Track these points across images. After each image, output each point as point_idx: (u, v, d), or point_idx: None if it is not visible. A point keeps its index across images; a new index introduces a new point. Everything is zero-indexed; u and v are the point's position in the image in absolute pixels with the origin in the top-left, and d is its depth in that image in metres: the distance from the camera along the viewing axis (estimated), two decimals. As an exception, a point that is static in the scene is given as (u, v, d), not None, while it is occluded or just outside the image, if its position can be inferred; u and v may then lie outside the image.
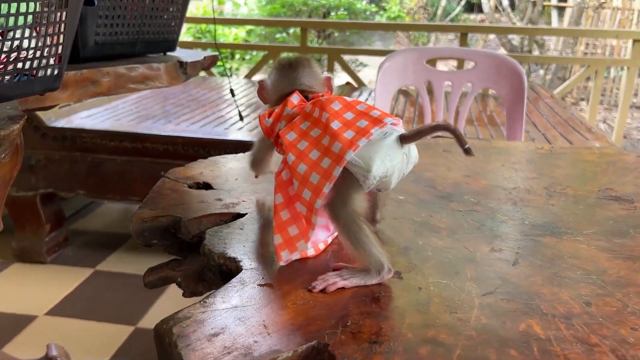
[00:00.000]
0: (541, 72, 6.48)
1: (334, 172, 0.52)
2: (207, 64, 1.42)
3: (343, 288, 0.52)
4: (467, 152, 0.52)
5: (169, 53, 1.37)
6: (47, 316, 1.79)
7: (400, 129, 0.55)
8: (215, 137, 1.99)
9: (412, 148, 0.55)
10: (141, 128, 2.07)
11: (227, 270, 0.59)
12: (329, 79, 0.66)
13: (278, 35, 5.09)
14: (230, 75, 5.41)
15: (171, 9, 1.28)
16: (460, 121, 1.71)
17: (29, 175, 2.06)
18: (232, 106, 2.56)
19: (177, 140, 1.99)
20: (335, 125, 0.55)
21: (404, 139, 0.54)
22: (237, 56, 5.72)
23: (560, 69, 6.15)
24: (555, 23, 7.23)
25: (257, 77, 3.64)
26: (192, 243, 0.69)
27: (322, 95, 0.61)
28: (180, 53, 1.40)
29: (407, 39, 8.10)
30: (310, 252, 0.60)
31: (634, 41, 3.10)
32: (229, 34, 5.50)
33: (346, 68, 3.26)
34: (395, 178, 0.54)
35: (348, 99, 0.58)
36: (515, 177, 0.90)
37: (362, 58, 5.80)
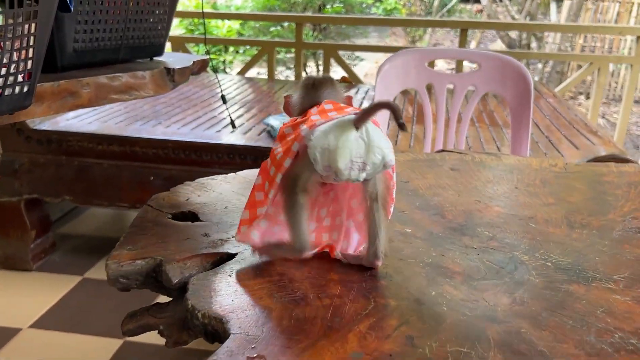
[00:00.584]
0: (539, 65, 6.41)
1: (292, 147, 0.56)
2: (197, 69, 1.34)
3: None
4: (401, 127, 0.52)
5: (156, 58, 1.28)
6: (31, 329, 1.71)
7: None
8: (207, 140, 1.91)
9: (376, 139, 0.55)
10: (130, 131, 1.98)
11: (213, 331, 0.52)
12: (350, 98, 0.68)
13: (272, 29, 4.98)
14: (218, 72, 5.30)
15: (157, 12, 1.19)
16: (463, 125, 1.64)
17: (13, 180, 1.97)
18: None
19: (167, 144, 1.91)
20: (314, 117, 0.59)
21: (355, 121, 0.54)
22: (231, 49, 5.60)
23: (559, 62, 6.08)
24: (553, 15, 7.15)
25: (250, 74, 3.55)
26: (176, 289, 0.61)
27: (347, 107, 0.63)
28: (168, 58, 1.31)
29: (403, 31, 7.99)
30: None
31: (638, 38, 3.02)
32: (222, 26, 5.38)
33: (342, 64, 3.17)
34: (343, 158, 0.53)
35: (343, 104, 0.62)
36: (531, 203, 0.83)
37: (359, 51, 5.70)
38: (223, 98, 1.36)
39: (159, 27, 1.22)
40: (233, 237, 0.68)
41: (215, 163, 1.90)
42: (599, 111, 5.10)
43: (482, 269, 0.62)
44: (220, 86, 1.40)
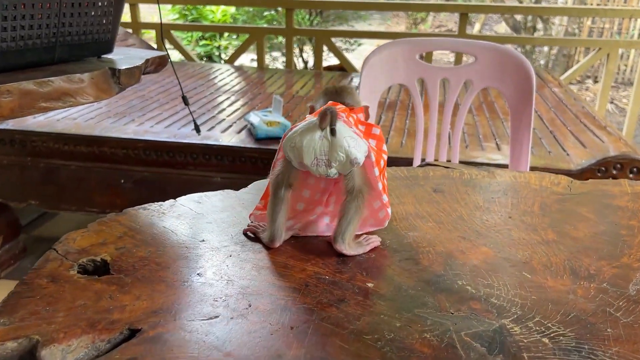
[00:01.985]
0: (545, 49, 6.18)
1: (281, 147, 0.64)
2: (153, 68, 1.19)
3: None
4: (332, 133, 0.59)
5: (104, 56, 1.13)
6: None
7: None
8: (180, 140, 1.76)
9: (340, 139, 0.59)
10: (99, 130, 1.83)
11: None
12: (367, 108, 0.72)
13: (266, 13, 4.79)
14: (212, 59, 5.14)
15: (100, 4, 1.03)
16: (459, 122, 1.48)
17: (-26, 183, 1.84)
18: (207, 98, 2.32)
19: (137, 145, 1.76)
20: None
21: (318, 123, 0.60)
22: (226, 34, 5.42)
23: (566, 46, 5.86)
24: (560, -5, 6.90)
25: (240, 61, 3.38)
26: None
27: (358, 109, 0.69)
28: (119, 55, 1.16)
29: (405, 13, 7.76)
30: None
31: (651, 21, 2.83)
32: (216, 11, 5.20)
33: (335, 51, 3.00)
34: (308, 156, 0.60)
35: (341, 106, 0.66)
36: (527, 241, 0.67)
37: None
38: (184, 99, 1.21)
39: (104, 21, 1.06)
40: (144, 300, 0.53)
41: (189, 164, 1.75)
42: (608, 96, 4.92)
43: (458, 351, 0.48)
44: (180, 86, 1.23)
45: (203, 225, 0.70)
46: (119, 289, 0.56)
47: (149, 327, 0.50)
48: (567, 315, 0.53)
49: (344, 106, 0.67)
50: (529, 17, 6.24)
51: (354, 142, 0.60)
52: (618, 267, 0.62)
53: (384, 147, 0.67)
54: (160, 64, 1.20)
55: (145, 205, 0.76)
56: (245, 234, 0.68)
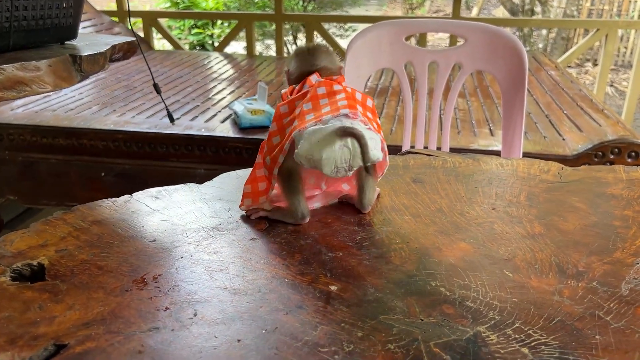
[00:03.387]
0: (544, 32, 6.09)
1: (285, 146, 0.61)
2: (121, 54, 1.12)
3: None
4: (367, 170, 0.62)
5: (68, 42, 1.07)
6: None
7: (351, 123, 0.58)
8: (161, 131, 1.70)
9: (363, 145, 0.57)
10: (78, 121, 1.77)
11: None
12: (340, 69, 0.70)
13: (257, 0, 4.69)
14: (205, 47, 5.06)
15: (58, -14, 0.97)
16: (449, 108, 1.41)
17: (-50, 179, 1.78)
18: (193, 87, 2.25)
19: (117, 136, 1.70)
20: (306, 106, 0.63)
21: (339, 132, 0.57)
22: (219, 21, 5.33)
23: (564, 28, 5.76)
24: (559, -23, 6.78)
25: (229, 49, 3.31)
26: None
27: (338, 79, 0.67)
28: (84, 41, 1.10)
29: (401, -1, 7.65)
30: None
31: (650, 0, 2.74)
32: (209, -2, 5.10)
33: (326, 36, 2.92)
34: (328, 167, 0.57)
35: (336, 86, 0.64)
36: (510, 235, 0.62)
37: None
38: (156, 87, 1.14)
39: (64, 5, 1.00)
40: (78, 308, 0.48)
41: (172, 156, 1.69)
42: (608, 78, 4.84)
43: (424, 364, 0.42)
44: (151, 72, 1.17)
45: (157, 223, 0.64)
46: (52, 297, 0.50)
47: (77, 342, 0.44)
48: (551, 320, 0.47)
49: (340, 91, 0.63)
50: (527, 0, 6.13)
51: (373, 144, 0.58)
52: (610, 263, 0.56)
53: (378, 121, 0.68)
54: (128, 50, 1.14)
55: (99, 201, 0.70)
56: (249, 216, 0.66)
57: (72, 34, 1.05)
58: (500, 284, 0.52)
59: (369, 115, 0.66)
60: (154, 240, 0.60)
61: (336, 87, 0.64)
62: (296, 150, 0.59)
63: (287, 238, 0.61)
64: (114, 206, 0.68)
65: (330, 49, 0.73)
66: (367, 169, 0.58)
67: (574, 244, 0.60)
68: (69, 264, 0.55)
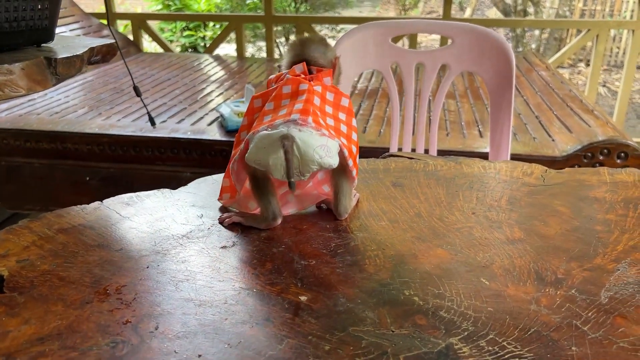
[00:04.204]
0: (537, 32, 6.09)
1: (241, 146, 0.61)
2: (100, 57, 1.10)
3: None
4: (291, 186, 0.57)
5: (44, 45, 1.04)
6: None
7: (301, 128, 0.57)
8: (147, 134, 1.67)
9: (308, 153, 0.56)
10: (62, 125, 1.74)
11: None
12: (337, 59, 0.69)
13: (249, 1, 4.67)
14: (197, 49, 5.04)
15: (32, -13, 0.95)
16: (437, 109, 1.40)
17: None
18: (180, 89, 2.23)
19: (101, 140, 1.68)
20: (268, 106, 0.62)
21: (283, 139, 0.56)
22: (211, 23, 5.30)
23: (557, 28, 5.76)
24: (551, -22, 6.78)
25: (222, 51, 3.28)
26: None
27: (323, 73, 0.65)
28: (61, 43, 1.08)
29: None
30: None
31: (640, 0, 2.74)
32: (200, 0, 5.08)
33: (317, 39, 2.90)
34: (277, 171, 0.57)
35: (303, 86, 0.62)
36: (489, 241, 0.60)
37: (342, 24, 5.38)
38: (136, 90, 1.12)
39: (39, 7, 0.98)
40: (34, 323, 0.45)
41: (157, 159, 1.67)
42: (600, 79, 4.83)
43: (392, 379, 0.40)
44: (131, 74, 1.15)
45: (125, 231, 0.62)
46: (7, 310, 0.48)
47: (29, 358, 0.42)
48: (527, 330, 0.45)
49: (305, 91, 0.62)
50: (519, 1, 6.13)
51: (324, 151, 0.57)
52: (590, 270, 0.54)
53: (353, 122, 0.66)
54: (108, 52, 1.12)
55: (68, 208, 0.68)
56: (221, 223, 0.64)
57: (49, 36, 1.03)
58: (475, 293, 0.51)
59: (341, 117, 0.64)
60: (121, 249, 0.58)
61: (302, 87, 0.62)
62: (246, 154, 0.59)
63: (259, 246, 0.59)
64: (82, 213, 0.66)
65: (327, 41, 0.71)
66: (290, 184, 0.56)
67: (554, 250, 0.58)
68: (29, 275, 0.53)
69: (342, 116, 0.65)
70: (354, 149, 0.64)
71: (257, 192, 0.62)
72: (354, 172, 0.64)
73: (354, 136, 0.65)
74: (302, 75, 0.65)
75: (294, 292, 0.51)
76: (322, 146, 0.57)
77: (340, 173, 0.63)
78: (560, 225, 0.63)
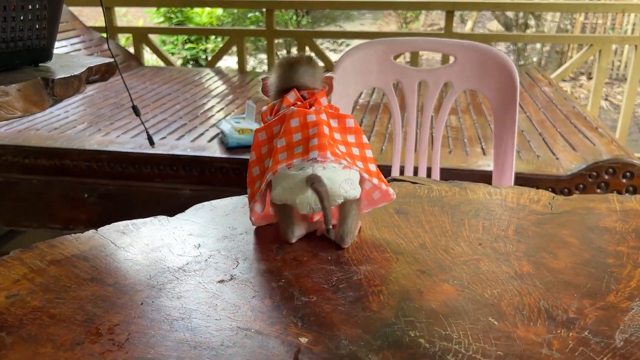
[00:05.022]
0: (538, 45, 6.10)
1: (262, 185, 0.62)
2: (99, 76, 1.09)
3: None
4: (328, 232, 0.58)
5: (42, 64, 1.03)
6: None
7: (323, 168, 0.58)
8: (146, 151, 1.66)
9: (334, 189, 0.58)
10: (61, 141, 1.73)
11: None
12: (330, 79, 0.69)
13: (250, 15, 4.68)
14: (199, 62, 5.04)
15: (30, 7, 0.93)
16: (439, 128, 1.38)
17: None
18: (181, 105, 2.22)
19: (100, 156, 1.66)
20: (280, 143, 0.61)
21: (309, 182, 0.57)
22: (213, 36, 5.32)
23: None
24: (552, -9, 6.80)
25: (223, 64, 3.28)
26: None
27: (317, 95, 0.66)
28: (59, 63, 1.06)
29: (394, 12, 7.67)
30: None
31: (643, 15, 2.73)
32: (202, 13, 5.09)
33: (319, 53, 2.90)
34: (303, 208, 0.59)
35: (310, 117, 0.61)
36: (497, 275, 0.58)
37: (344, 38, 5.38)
38: (135, 109, 1.11)
39: (37, 26, 0.96)
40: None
41: (156, 176, 1.65)
42: (602, 92, 4.83)
43: None
44: (130, 94, 1.14)
45: (120, 262, 0.60)
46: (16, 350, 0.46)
47: (14, 409, 0.40)
48: (539, 378, 0.43)
49: (314, 112, 0.62)
50: (521, 14, 6.15)
51: (349, 185, 0.59)
52: (603, 309, 0.52)
53: (364, 139, 0.65)
54: (107, 71, 1.10)
55: (62, 237, 0.66)
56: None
57: (47, 55, 1.02)
58: (484, 334, 0.48)
59: (350, 140, 0.64)
60: (115, 283, 0.56)
61: (310, 118, 0.61)
62: (271, 194, 0.61)
63: (259, 279, 0.57)
64: (76, 242, 0.64)
65: (315, 61, 0.71)
66: (328, 230, 0.58)
67: (564, 286, 0.56)
68: (18, 312, 0.51)
69: (351, 139, 0.64)
70: (373, 167, 0.64)
71: (279, 215, 0.64)
72: (384, 187, 0.65)
73: (369, 153, 0.65)
74: (298, 103, 0.65)
75: (294, 332, 0.49)
76: (347, 180, 0.59)
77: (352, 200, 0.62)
78: (570, 258, 0.61)
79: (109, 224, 0.68)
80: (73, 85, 0.97)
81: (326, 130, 0.61)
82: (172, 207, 0.79)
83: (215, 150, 1.67)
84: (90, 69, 1.04)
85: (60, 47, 0.94)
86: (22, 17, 0.93)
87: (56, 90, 0.94)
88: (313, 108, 0.65)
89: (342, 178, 0.58)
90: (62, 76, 0.95)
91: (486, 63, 1.33)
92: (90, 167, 1.66)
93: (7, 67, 0.95)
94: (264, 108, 0.68)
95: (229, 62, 5.55)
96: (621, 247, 0.63)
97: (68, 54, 1.82)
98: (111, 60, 1.11)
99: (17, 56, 0.95)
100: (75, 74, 0.97)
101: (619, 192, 1.51)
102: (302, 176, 0.58)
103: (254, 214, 0.66)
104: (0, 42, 0.90)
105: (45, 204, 1.72)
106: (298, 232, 0.64)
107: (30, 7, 0.94)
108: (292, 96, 0.66)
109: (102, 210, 1.66)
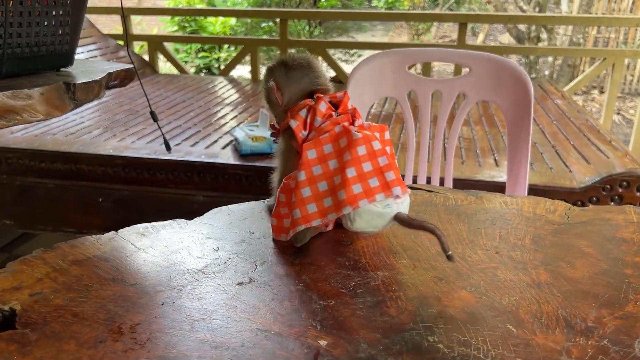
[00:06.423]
0: (550, 59, 6.09)
1: (329, 216, 0.61)
2: (118, 81, 1.10)
3: None
4: (449, 258, 0.56)
5: (63, 69, 1.05)
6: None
7: (402, 202, 0.61)
8: (161, 157, 1.67)
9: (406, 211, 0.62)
10: (77, 146, 1.75)
11: None
12: (345, 94, 0.67)
13: (264, 25, 4.72)
14: (212, 70, 5.08)
15: (54, 13, 0.95)
16: (452, 138, 1.38)
17: (-54, 202, 1.76)
18: (195, 112, 2.24)
19: (115, 161, 1.68)
20: (350, 172, 0.60)
21: (396, 219, 0.61)
22: (226, 45, 5.36)
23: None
24: (565, 5, 6.81)
25: (236, 72, 3.31)
26: None
27: (345, 99, 0.66)
28: (80, 68, 1.08)
29: (406, 24, 7.69)
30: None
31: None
32: (215, 22, 5.14)
33: (331, 62, 2.92)
34: (365, 229, 0.62)
35: (376, 144, 0.61)
36: (514, 283, 0.58)
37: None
38: (153, 115, 1.12)
39: (60, 32, 0.98)
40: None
41: (170, 182, 1.67)
42: (614, 107, 4.81)
43: None
44: (148, 100, 1.15)
45: (140, 263, 0.61)
46: (20, 348, 0.47)
47: (40, 403, 0.40)
48: (559, 385, 0.43)
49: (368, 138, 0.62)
50: (533, 27, 6.15)
51: (406, 206, 0.63)
52: (621, 318, 0.52)
53: (386, 135, 0.65)
54: (126, 77, 1.12)
55: (82, 238, 0.67)
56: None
57: (68, 61, 1.04)
58: (503, 340, 0.48)
59: (387, 150, 0.63)
60: (135, 283, 0.57)
61: (376, 146, 0.60)
62: (350, 225, 0.61)
63: (277, 283, 0.58)
64: (97, 244, 0.65)
65: (315, 60, 0.69)
66: (449, 257, 0.56)
67: (582, 295, 0.56)
68: (42, 309, 0.52)
69: (387, 149, 0.63)
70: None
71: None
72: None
73: (388, 149, 0.64)
74: (334, 113, 0.64)
75: (313, 335, 0.49)
76: (405, 203, 0.63)
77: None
78: (588, 268, 0.61)
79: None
80: (93, 90, 0.99)
81: (388, 153, 0.62)
82: (186, 212, 0.80)
83: (228, 157, 1.68)
84: (110, 74, 1.05)
85: (78, 54, 0.96)
86: (45, 23, 0.95)
87: (77, 95, 0.95)
88: (357, 122, 0.64)
89: (408, 204, 0.63)
90: (83, 81, 0.96)
91: (501, 74, 1.33)
92: (106, 172, 1.68)
93: (30, 71, 0.97)
94: (295, 124, 0.64)
95: (241, 71, 5.59)
96: (638, 258, 0.63)
97: (87, 59, 1.84)
98: (130, 66, 1.12)
99: (40, 61, 0.97)
100: (96, 79, 0.99)
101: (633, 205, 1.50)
102: (389, 213, 0.60)
103: (287, 231, 0.64)
104: (25, 46, 0.92)
105: (60, 207, 1.74)
106: (307, 238, 0.65)
107: (54, 12, 0.96)
108: (323, 106, 0.64)
109: (116, 215, 1.68)
